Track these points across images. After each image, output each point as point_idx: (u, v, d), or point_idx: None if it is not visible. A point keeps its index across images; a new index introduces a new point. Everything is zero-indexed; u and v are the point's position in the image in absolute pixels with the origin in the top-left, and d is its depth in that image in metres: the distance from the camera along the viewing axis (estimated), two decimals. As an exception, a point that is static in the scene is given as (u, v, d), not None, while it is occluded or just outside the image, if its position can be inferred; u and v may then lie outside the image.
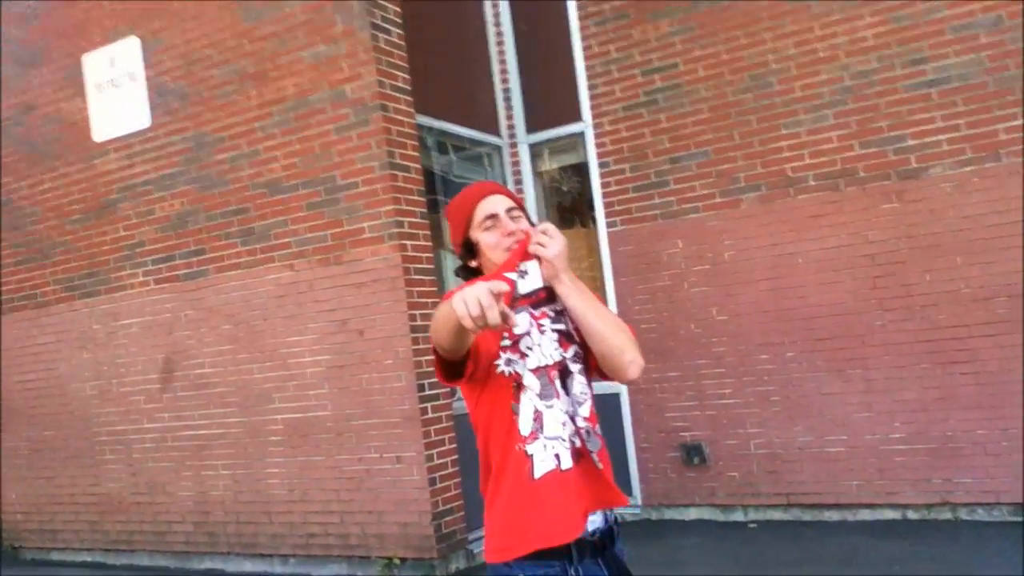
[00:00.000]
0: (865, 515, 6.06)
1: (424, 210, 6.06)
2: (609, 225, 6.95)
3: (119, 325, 7.06)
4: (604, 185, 6.98)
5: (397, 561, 5.84)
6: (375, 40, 5.90)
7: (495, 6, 7.46)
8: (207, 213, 6.59)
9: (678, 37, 6.66)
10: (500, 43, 7.44)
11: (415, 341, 5.71)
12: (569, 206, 7.59)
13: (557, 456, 2.07)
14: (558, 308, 2.15)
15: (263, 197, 6.33)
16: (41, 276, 7.55)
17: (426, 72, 6.50)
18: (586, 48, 7.03)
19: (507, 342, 2.10)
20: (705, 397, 6.55)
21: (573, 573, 2.06)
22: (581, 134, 7.14)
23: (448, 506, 5.83)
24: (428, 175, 6.49)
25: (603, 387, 7.50)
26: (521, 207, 2.24)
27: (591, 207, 7.15)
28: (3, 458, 7.81)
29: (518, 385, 2.09)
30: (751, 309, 6.38)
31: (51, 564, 7.48)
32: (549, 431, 2.08)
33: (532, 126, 7.35)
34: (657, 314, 6.71)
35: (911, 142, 5.91)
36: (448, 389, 5.70)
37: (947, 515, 5.82)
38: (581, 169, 7.26)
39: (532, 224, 2.18)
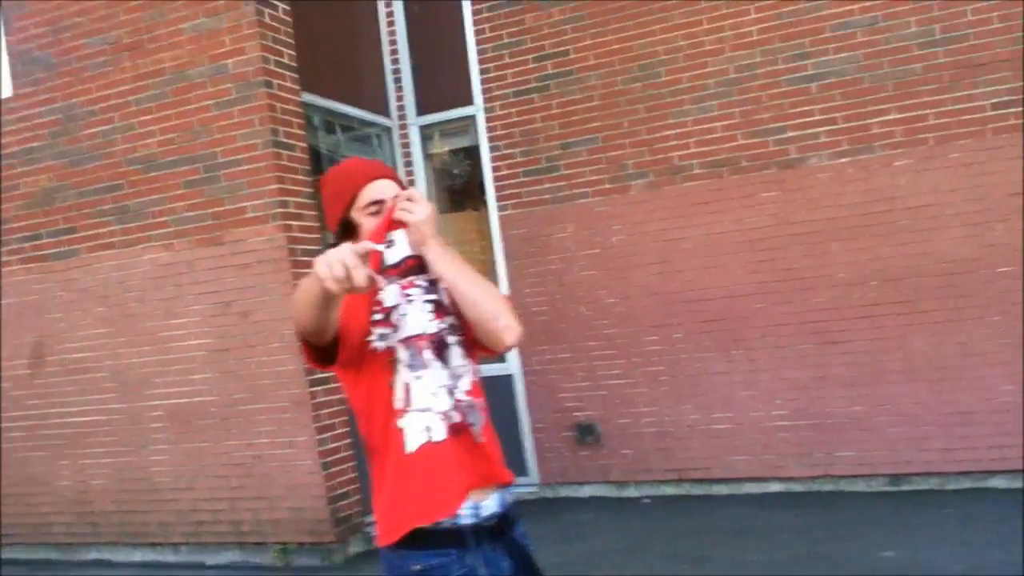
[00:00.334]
0: (752, 488, 6.28)
1: (310, 190, 5.93)
2: (500, 209, 6.95)
3: (-20, 307, 6.61)
4: (495, 169, 6.97)
5: (293, 546, 5.74)
6: (260, 15, 5.74)
7: (386, -13, 7.33)
8: (78, 190, 6.25)
9: (570, 25, 6.70)
10: (391, 24, 7.32)
11: (303, 324, 5.56)
12: (460, 189, 7.54)
13: (428, 428, 1.99)
14: (430, 278, 2.06)
15: (138, 174, 6.06)
16: None
17: (314, 50, 6.36)
18: (478, 32, 6.99)
19: (379, 316, 2.02)
20: (597, 378, 6.64)
21: (470, 560, 1.99)
22: (472, 117, 7.10)
23: (344, 490, 5.76)
24: (315, 154, 6.36)
25: (497, 369, 7.47)
26: None
27: (482, 191, 7.13)
28: None
29: (394, 360, 2.02)
30: (640, 292, 6.50)
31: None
32: (418, 403, 2.00)
33: (423, 108, 7.27)
34: (548, 297, 6.75)
35: (791, 133, 6.13)
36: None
37: (829, 487, 6.09)
38: (472, 152, 7.23)
39: None
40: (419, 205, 2.00)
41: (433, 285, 2.07)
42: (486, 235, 7.13)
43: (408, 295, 2.04)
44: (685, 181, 6.39)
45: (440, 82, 7.22)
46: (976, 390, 5.71)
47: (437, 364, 2.03)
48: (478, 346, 2.11)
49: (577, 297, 6.68)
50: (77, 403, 6.34)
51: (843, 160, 6.01)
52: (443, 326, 2.06)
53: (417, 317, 2.04)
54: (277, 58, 5.82)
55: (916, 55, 5.83)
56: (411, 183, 7.24)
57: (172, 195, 5.96)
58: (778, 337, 6.15)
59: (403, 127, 7.30)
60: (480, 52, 6.98)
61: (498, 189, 6.96)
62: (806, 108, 6.10)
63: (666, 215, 6.44)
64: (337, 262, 1.64)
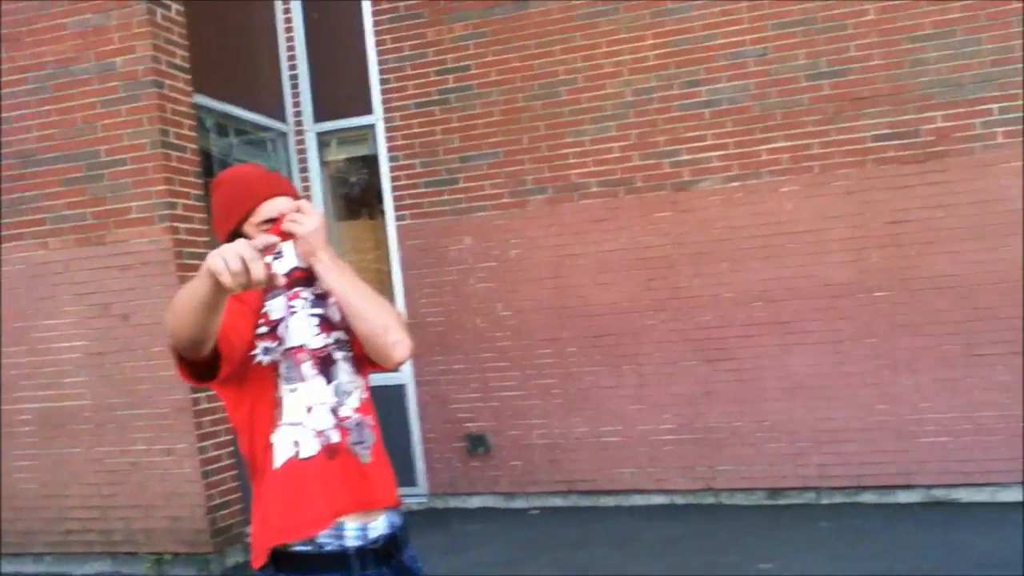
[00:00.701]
0: (638, 500, 6.37)
1: (200, 192, 5.78)
2: (398, 219, 6.90)
3: None
4: (394, 179, 6.92)
5: (168, 557, 5.54)
6: (151, 14, 5.60)
7: (286, -8, 7.21)
8: (-55, 182, 5.90)
9: (472, 41, 6.73)
10: (289, 29, 7.19)
11: (187, 329, 5.38)
12: (357, 197, 7.45)
13: (296, 443, 1.92)
14: (317, 292, 2.01)
15: (12, 169, 5.81)
16: None
17: (208, 52, 6.21)
18: (379, 43, 6.95)
19: (264, 329, 1.95)
20: (489, 389, 6.64)
21: None
22: (372, 127, 7.04)
23: (224, 499, 5.61)
24: (207, 157, 6.21)
25: (389, 378, 7.37)
26: None
27: (380, 199, 7.06)
28: None
29: (278, 374, 1.95)
30: (534, 306, 6.55)
31: None
32: (289, 416, 1.93)
33: (321, 115, 7.16)
34: (444, 308, 6.72)
35: (685, 156, 6.30)
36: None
37: (710, 500, 6.24)
38: (370, 162, 7.15)
39: None
40: (309, 216, 1.95)
41: (321, 299, 2.02)
42: (382, 244, 7.06)
43: (292, 307, 1.99)
44: (582, 199, 6.49)
45: (339, 90, 7.13)
46: (850, 408, 5.96)
47: (319, 379, 1.97)
48: (368, 362, 2.06)
49: (472, 309, 6.68)
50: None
51: (733, 184, 6.21)
52: (329, 341, 2.01)
53: (300, 329, 1.98)
54: (169, 58, 5.69)
55: (804, 86, 6.08)
56: (306, 189, 7.11)
57: (49, 192, 5.74)
58: (667, 353, 6.29)
59: (299, 133, 7.17)
60: (381, 63, 6.94)
61: (396, 199, 6.91)
62: (699, 133, 6.28)
63: (562, 231, 6.52)
64: (234, 256, 1.55)
